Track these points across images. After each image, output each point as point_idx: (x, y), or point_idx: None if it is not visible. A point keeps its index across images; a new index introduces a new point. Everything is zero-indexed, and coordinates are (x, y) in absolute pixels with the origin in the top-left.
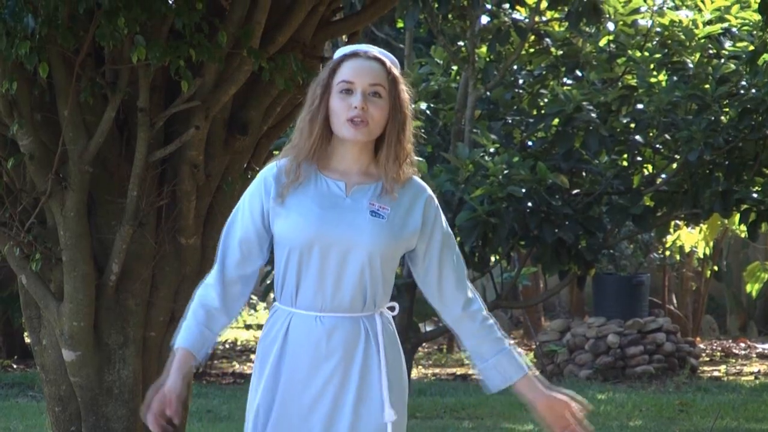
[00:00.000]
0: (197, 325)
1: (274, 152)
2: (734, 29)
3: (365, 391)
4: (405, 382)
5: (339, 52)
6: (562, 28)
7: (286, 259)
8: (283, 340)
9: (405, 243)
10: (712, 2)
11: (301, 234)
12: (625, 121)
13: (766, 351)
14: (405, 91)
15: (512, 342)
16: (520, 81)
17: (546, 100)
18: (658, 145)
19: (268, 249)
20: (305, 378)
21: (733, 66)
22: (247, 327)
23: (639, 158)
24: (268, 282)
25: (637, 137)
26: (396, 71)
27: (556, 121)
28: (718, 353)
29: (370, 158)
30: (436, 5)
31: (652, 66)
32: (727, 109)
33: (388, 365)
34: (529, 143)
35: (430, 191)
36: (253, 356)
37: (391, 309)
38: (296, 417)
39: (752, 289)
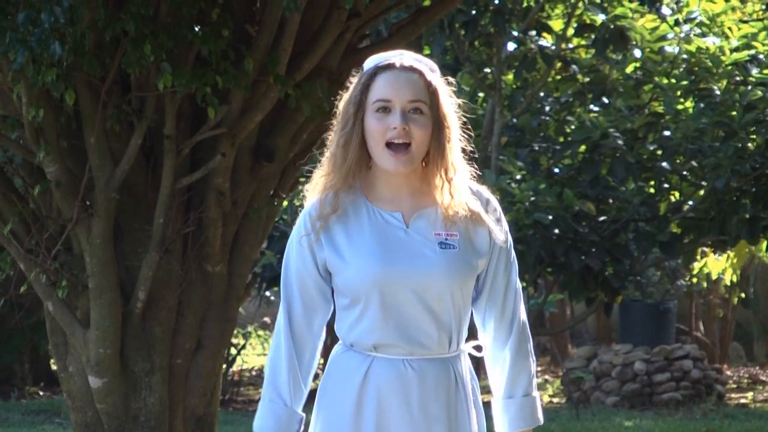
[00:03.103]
0: (279, 406)
1: (300, 179)
2: (761, 56)
3: None
4: (484, 424)
5: (370, 63)
6: (589, 55)
7: (357, 306)
8: (361, 384)
9: (482, 265)
10: (739, 29)
11: (367, 278)
12: (651, 148)
13: None
14: (448, 102)
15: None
16: (547, 108)
17: (572, 127)
18: (684, 172)
19: (331, 299)
20: (398, 425)
21: (760, 93)
22: None
23: (666, 185)
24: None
25: (664, 164)
26: (436, 81)
27: (582, 148)
28: (746, 380)
29: (419, 177)
30: (463, 32)
31: (678, 93)
32: (754, 136)
33: (477, 409)
34: (556, 170)
35: (488, 194)
36: None
37: (478, 349)
38: None
39: None
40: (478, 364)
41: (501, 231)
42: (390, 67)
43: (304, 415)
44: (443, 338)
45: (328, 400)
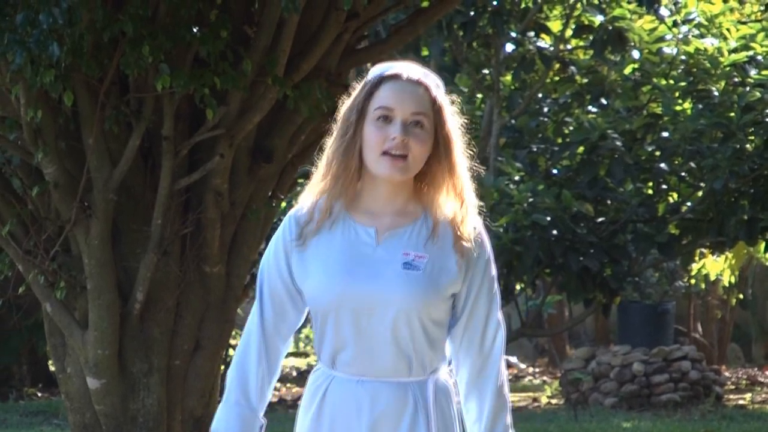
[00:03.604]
0: (245, 410)
1: (299, 180)
2: (760, 57)
3: None
4: None
5: (376, 72)
6: (587, 56)
7: (320, 321)
8: (320, 402)
9: (450, 291)
10: (738, 30)
11: (327, 295)
12: (650, 149)
13: None
14: (452, 120)
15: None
16: (545, 109)
17: (571, 128)
18: (683, 173)
19: (302, 307)
20: None
21: (758, 94)
22: None
23: (664, 186)
24: None
25: (662, 165)
26: (441, 98)
27: (581, 149)
28: (744, 381)
29: (407, 196)
30: (461, 33)
31: (677, 94)
32: (752, 137)
33: None
34: (554, 171)
35: (477, 222)
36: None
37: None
38: None
39: None
40: None
41: (483, 259)
42: (396, 77)
43: (265, 421)
44: (400, 362)
45: (298, 421)
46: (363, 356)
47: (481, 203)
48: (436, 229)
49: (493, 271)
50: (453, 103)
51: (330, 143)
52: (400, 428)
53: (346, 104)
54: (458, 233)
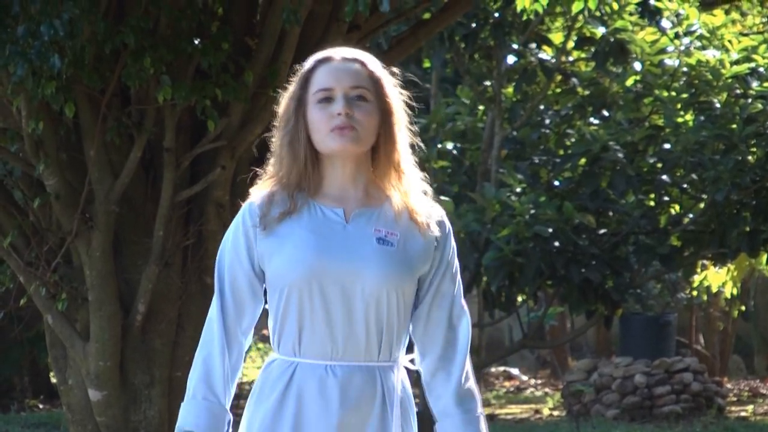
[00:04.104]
0: (214, 404)
1: None
2: (761, 69)
3: None
4: None
5: (309, 61)
6: (589, 68)
7: (284, 301)
8: (282, 394)
9: (420, 269)
10: (739, 42)
11: (298, 268)
12: (651, 160)
13: None
14: (394, 91)
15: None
16: (547, 121)
17: (572, 139)
18: (684, 185)
19: (262, 297)
20: None
21: (760, 106)
22: None
23: (666, 198)
24: None
25: (664, 177)
26: (379, 72)
27: (582, 160)
28: (746, 393)
29: (368, 177)
30: (463, 45)
31: (679, 106)
32: (754, 149)
33: (408, 428)
34: (556, 183)
35: (441, 211)
36: None
37: (412, 362)
38: None
39: None
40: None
41: (449, 245)
42: (329, 59)
43: (232, 416)
44: (371, 343)
45: (250, 413)
46: (335, 336)
47: (427, 178)
48: (399, 209)
49: (456, 260)
50: (393, 75)
51: (274, 139)
52: (367, 417)
53: (283, 98)
54: (412, 210)
